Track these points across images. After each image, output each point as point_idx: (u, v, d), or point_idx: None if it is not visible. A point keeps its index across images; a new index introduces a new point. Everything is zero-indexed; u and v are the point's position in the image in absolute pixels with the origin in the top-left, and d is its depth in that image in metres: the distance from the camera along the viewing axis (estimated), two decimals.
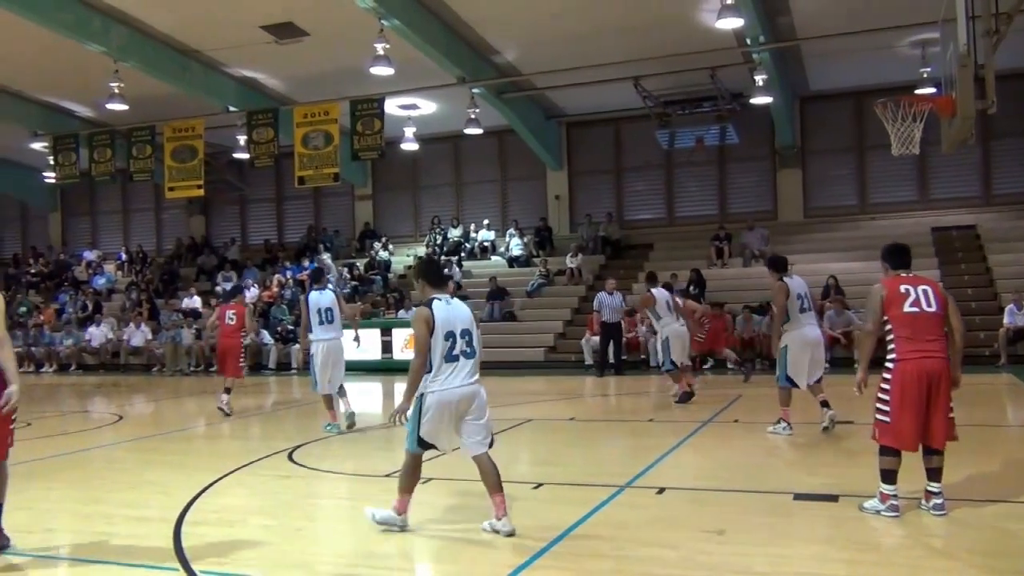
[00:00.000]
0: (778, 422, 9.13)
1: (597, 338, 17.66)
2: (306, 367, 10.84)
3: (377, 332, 19.26)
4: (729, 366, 15.52)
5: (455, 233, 24.94)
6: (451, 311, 5.54)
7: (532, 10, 17.24)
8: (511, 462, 8.49)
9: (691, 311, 13.17)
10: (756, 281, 19.73)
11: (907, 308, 5.66)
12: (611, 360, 17.11)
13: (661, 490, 6.61)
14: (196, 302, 23.70)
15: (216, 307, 18.72)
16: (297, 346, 11.08)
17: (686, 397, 11.83)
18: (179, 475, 7.81)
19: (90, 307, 25.15)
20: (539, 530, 5.50)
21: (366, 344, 16.80)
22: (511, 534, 5.38)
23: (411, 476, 5.62)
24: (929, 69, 17.88)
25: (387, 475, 5.78)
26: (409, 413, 5.53)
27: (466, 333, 5.55)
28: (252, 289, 22.96)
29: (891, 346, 5.73)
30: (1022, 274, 18.27)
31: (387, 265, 24.29)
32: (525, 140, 23.13)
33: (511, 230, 24.29)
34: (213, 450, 9.83)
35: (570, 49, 18.63)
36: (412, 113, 22.60)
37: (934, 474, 5.68)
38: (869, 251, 18.72)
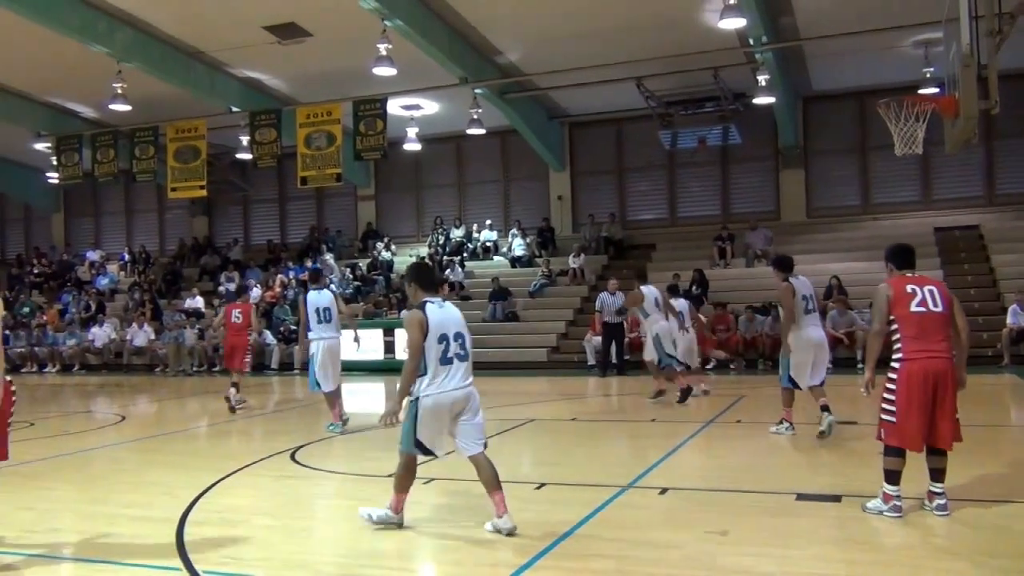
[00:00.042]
0: (780, 422, 9.12)
1: (599, 338, 17.67)
2: (306, 367, 10.90)
3: (379, 332, 19.27)
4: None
5: (458, 233, 24.95)
6: (444, 314, 5.58)
7: (535, 10, 17.24)
8: (514, 462, 8.50)
9: (675, 313, 13.21)
10: (759, 281, 19.75)
11: (914, 308, 5.66)
12: (613, 360, 17.11)
13: (663, 490, 6.61)
14: (199, 302, 23.73)
15: (222, 306, 18.80)
16: (304, 346, 11.09)
17: (685, 395, 11.85)
18: (182, 475, 7.81)
19: (93, 307, 25.19)
20: (541, 530, 5.50)
21: (369, 344, 16.83)
22: (512, 531, 5.39)
23: (406, 477, 5.66)
24: (932, 69, 17.87)
25: (389, 475, 5.79)
26: (402, 416, 5.55)
27: (459, 336, 5.58)
28: (255, 289, 22.99)
29: (897, 346, 5.72)
30: None
31: (390, 265, 24.30)
32: (528, 140, 23.13)
33: (514, 230, 24.29)
34: (216, 450, 9.84)
35: (573, 49, 18.64)
36: (415, 113, 22.61)
37: (937, 475, 5.68)
38: (872, 251, 18.73)
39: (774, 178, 23.11)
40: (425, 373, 5.45)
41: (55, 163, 23.21)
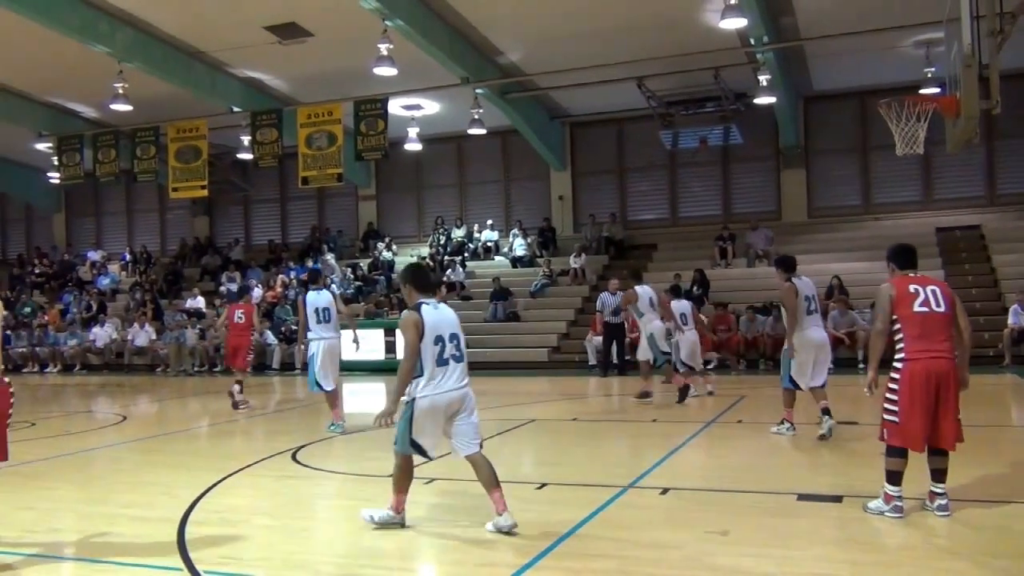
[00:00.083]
0: (781, 423, 9.11)
1: (600, 338, 17.67)
2: (307, 368, 10.94)
3: (380, 332, 19.26)
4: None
5: (459, 233, 24.96)
6: (439, 315, 5.59)
7: (535, 10, 17.24)
8: (514, 462, 8.50)
9: (669, 314, 13.26)
10: (760, 281, 19.76)
11: (917, 308, 5.65)
12: (614, 360, 17.11)
13: (665, 490, 6.61)
14: (200, 302, 23.74)
15: (223, 307, 18.81)
16: (303, 346, 11.14)
17: (684, 394, 11.84)
18: (182, 475, 7.82)
19: (94, 307, 25.20)
20: (542, 530, 5.50)
21: (370, 344, 16.83)
22: (513, 528, 5.40)
23: (404, 477, 5.68)
24: (933, 69, 17.86)
25: (390, 475, 5.80)
26: (397, 416, 5.56)
27: (454, 337, 5.59)
28: (256, 289, 23.00)
29: (900, 346, 5.71)
30: None
31: (391, 265, 24.31)
32: (529, 140, 23.14)
33: (515, 230, 24.29)
34: (216, 450, 9.84)
35: (574, 49, 18.64)
36: (416, 113, 22.62)
37: (939, 475, 5.67)
38: (873, 251, 18.73)
39: (775, 178, 23.11)
40: (421, 374, 5.47)
41: (56, 163, 23.25)
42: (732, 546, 5.18)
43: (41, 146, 24.51)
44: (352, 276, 24.19)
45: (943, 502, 5.62)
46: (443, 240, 24.83)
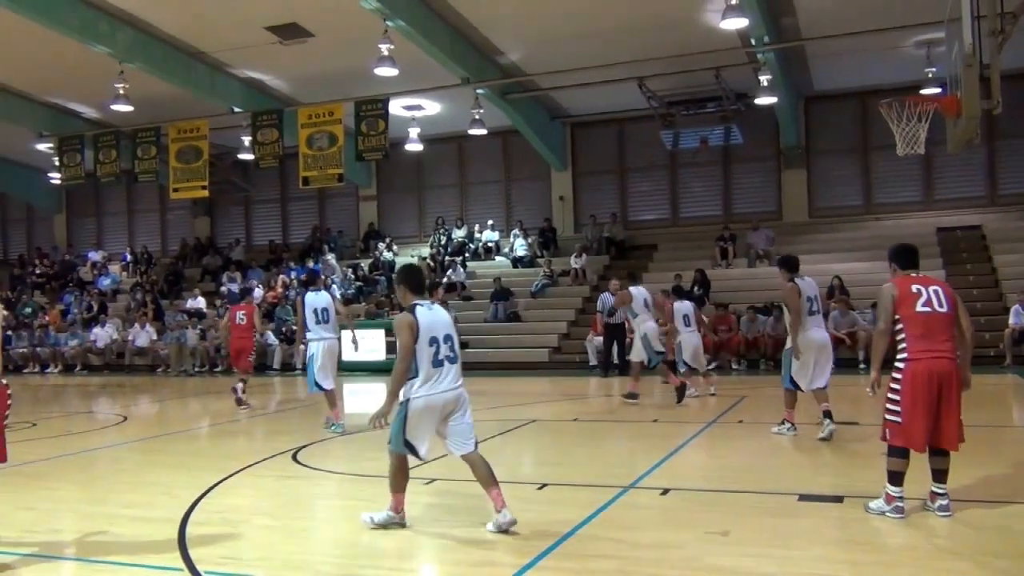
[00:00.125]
0: (782, 423, 9.10)
1: (601, 338, 17.66)
2: (306, 368, 10.99)
3: (381, 333, 19.24)
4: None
5: (459, 234, 24.96)
6: (433, 316, 5.61)
7: (536, 11, 17.24)
8: (515, 462, 8.51)
9: (665, 315, 13.31)
10: (761, 282, 19.76)
11: (919, 308, 5.64)
12: (615, 360, 17.10)
13: (665, 491, 6.60)
14: (200, 303, 23.75)
15: (223, 308, 18.83)
16: (302, 347, 11.18)
17: (681, 393, 11.84)
18: (183, 475, 7.82)
19: (95, 308, 25.21)
20: (543, 530, 5.49)
21: (371, 345, 16.83)
22: (513, 524, 5.41)
23: (401, 476, 5.68)
24: (934, 69, 17.84)
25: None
26: (391, 417, 5.57)
27: (448, 338, 5.62)
28: (257, 290, 23.02)
29: (902, 346, 5.69)
30: None
31: (391, 266, 24.29)
32: (529, 141, 23.14)
33: (515, 231, 24.29)
34: (217, 450, 9.84)
35: (575, 50, 18.64)
36: (416, 114, 22.63)
37: (940, 475, 5.67)
38: (874, 251, 18.74)
39: (776, 178, 23.11)
40: (416, 375, 5.48)
41: (57, 163, 23.26)
42: (733, 546, 5.18)
43: (42, 146, 24.54)
44: (353, 276, 24.20)
45: (944, 502, 5.61)
46: (444, 240, 24.84)
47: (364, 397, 15.76)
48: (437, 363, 5.52)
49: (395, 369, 5.52)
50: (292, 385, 17.59)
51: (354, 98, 19.88)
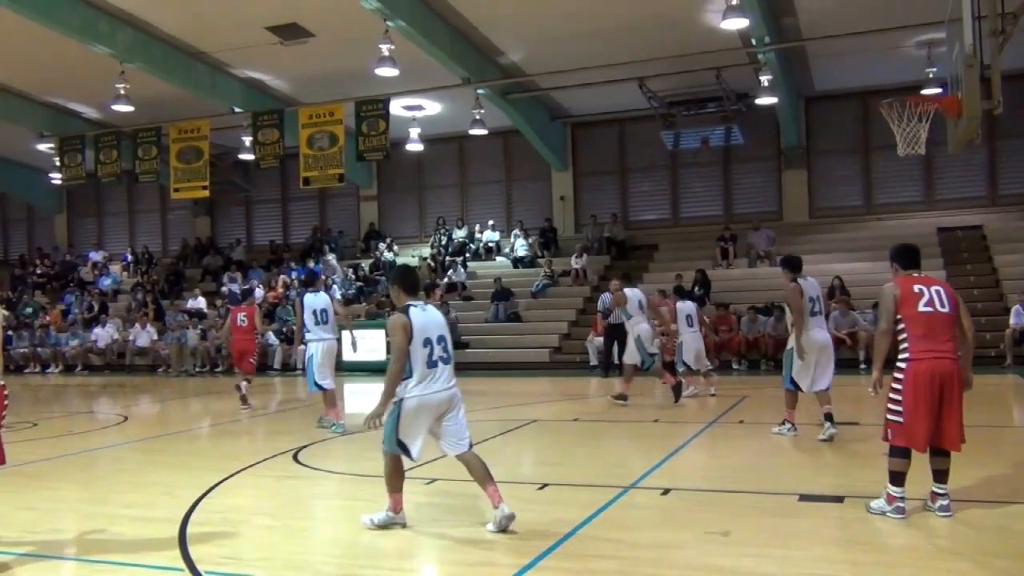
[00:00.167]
0: (783, 423, 9.10)
1: (601, 339, 17.66)
2: (304, 369, 11.04)
3: (381, 333, 19.20)
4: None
5: (460, 234, 24.97)
6: (427, 317, 5.62)
7: (536, 11, 17.23)
8: (516, 462, 8.52)
9: (660, 317, 13.31)
10: (761, 282, 19.76)
11: (922, 308, 5.63)
12: (615, 361, 17.06)
13: (666, 491, 6.60)
14: (201, 303, 23.76)
15: (225, 307, 18.81)
16: (301, 347, 11.23)
17: (678, 391, 11.84)
18: (184, 475, 7.82)
19: (96, 308, 25.23)
20: (543, 530, 5.50)
21: (372, 345, 16.83)
22: (511, 518, 5.42)
23: (396, 476, 5.70)
24: (935, 69, 17.83)
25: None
26: (385, 417, 5.58)
27: (442, 339, 5.64)
28: (257, 290, 23.03)
29: (903, 346, 5.68)
30: None
31: (392, 266, 24.32)
32: (530, 141, 23.14)
33: (516, 231, 24.29)
34: (218, 451, 9.84)
35: (575, 50, 18.63)
36: (417, 114, 22.63)
37: (941, 476, 5.67)
38: (874, 252, 18.73)
39: (776, 178, 23.11)
40: (410, 376, 5.50)
41: (58, 164, 23.27)
42: (733, 546, 5.18)
43: (42, 146, 24.56)
44: (353, 276, 24.20)
45: (945, 502, 5.61)
46: (444, 240, 24.84)
47: (364, 397, 15.76)
48: (431, 364, 5.54)
49: (389, 370, 5.54)
50: (293, 385, 17.59)
51: (355, 98, 19.88)
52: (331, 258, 24.70)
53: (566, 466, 8.06)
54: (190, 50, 19.24)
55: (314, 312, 10.61)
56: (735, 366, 17.81)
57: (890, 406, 5.68)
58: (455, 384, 5.68)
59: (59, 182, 23.73)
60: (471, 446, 5.71)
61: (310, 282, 11.65)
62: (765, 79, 18.05)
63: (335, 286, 23.16)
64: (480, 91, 19.77)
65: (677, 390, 11.83)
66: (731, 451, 8.68)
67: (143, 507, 6.60)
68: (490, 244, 24.71)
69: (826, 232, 21.88)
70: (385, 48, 16.24)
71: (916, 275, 5.87)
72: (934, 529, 5.44)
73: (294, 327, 20.57)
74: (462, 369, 19.47)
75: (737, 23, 15.55)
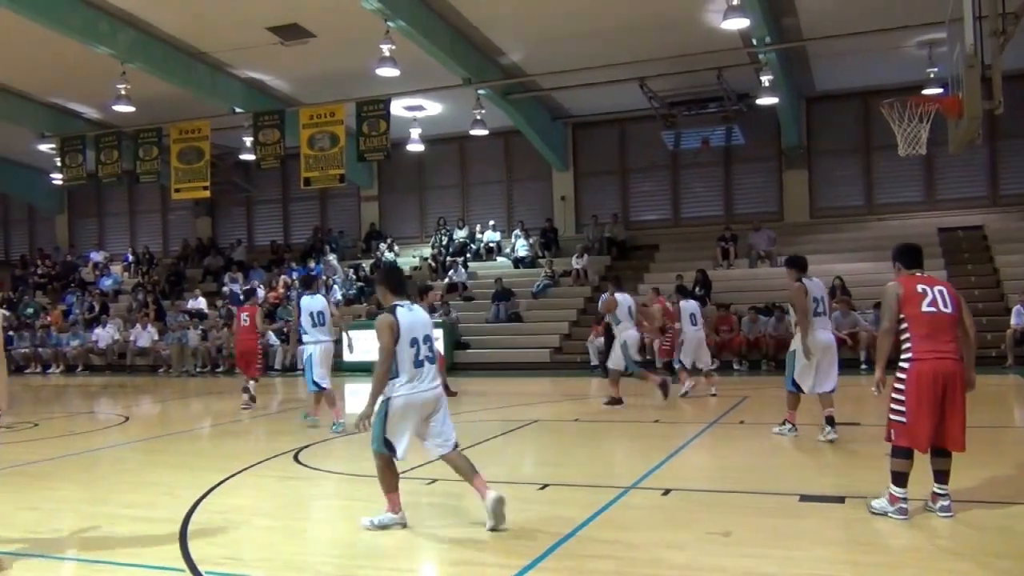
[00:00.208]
0: (783, 423, 9.09)
1: (602, 339, 17.64)
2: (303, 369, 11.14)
3: None
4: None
5: (461, 234, 24.97)
6: (413, 317, 5.66)
7: (537, 11, 17.23)
8: (517, 463, 8.51)
9: (650, 318, 13.28)
10: (762, 282, 19.76)
11: (925, 308, 5.61)
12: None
13: (667, 491, 6.60)
14: (201, 303, 23.76)
15: (225, 307, 18.81)
16: (300, 347, 11.29)
17: (665, 389, 11.86)
18: (185, 476, 7.82)
19: (97, 308, 25.24)
20: (544, 531, 5.50)
21: (370, 345, 16.82)
22: (502, 501, 5.45)
23: (390, 475, 5.72)
24: (936, 69, 17.83)
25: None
26: (373, 418, 5.60)
27: (427, 339, 5.68)
28: (258, 290, 23.03)
29: (906, 345, 5.67)
30: None
31: (393, 266, 24.31)
32: (531, 141, 23.14)
33: (517, 231, 24.29)
34: (219, 451, 9.84)
35: (576, 50, 18.63)
36: (418, 114, 22.63)
37: (942, 476, 5.66)
38: (875, 252, 18.73)
39: (777, 179, 23.10)
40: (396, 376, 5.52)
41: (59, 164, 23.29)
42: (734, 547, 5.18)
43: (43, 147, 24.58)
44: (354, 277, 24.20)
45: (946, 503, 5.61)
46: (445, 241, 24.85)
47: (362, 397, 15.76)
48: (418, 363, 5.57)
49: (376, 371, 5.56)
50: (294, 386, 17.59)
51: (355, 98, 19.88)
52: (332, 258, 24.71)
53: (567, 466, 8.06)
54: (191, 50, 19.24)
55: (311, 314, 10.72)
56: (736, 366, 17.81)
57: (893, 406, 5.67)
58: (440, 383, 5.75)
59: (60, 182, 23.74)
60: (456, 447, 5.75)
61: (307, 284, 11.75)
62: (766, 79, 18.04)
63: (336, 286, 23.17)
64: (481, 91, 19.78)
65: (664, 388, 11.87)
66: (732, 451, 8.68)
67: (144, 507, 6.60)
68: (491, 244, 24.72)
69: (827, 232, 21.87)
70: (386, 48, 16.24)
71: (919, 275, 5.86)
72: (935, 530, 5.43)
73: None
74: (463, 369, 19.61)
75: (738, 23, 15.55)
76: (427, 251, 24.89)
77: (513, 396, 14.16)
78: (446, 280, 23.05)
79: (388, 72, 16.71)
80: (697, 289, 19.20)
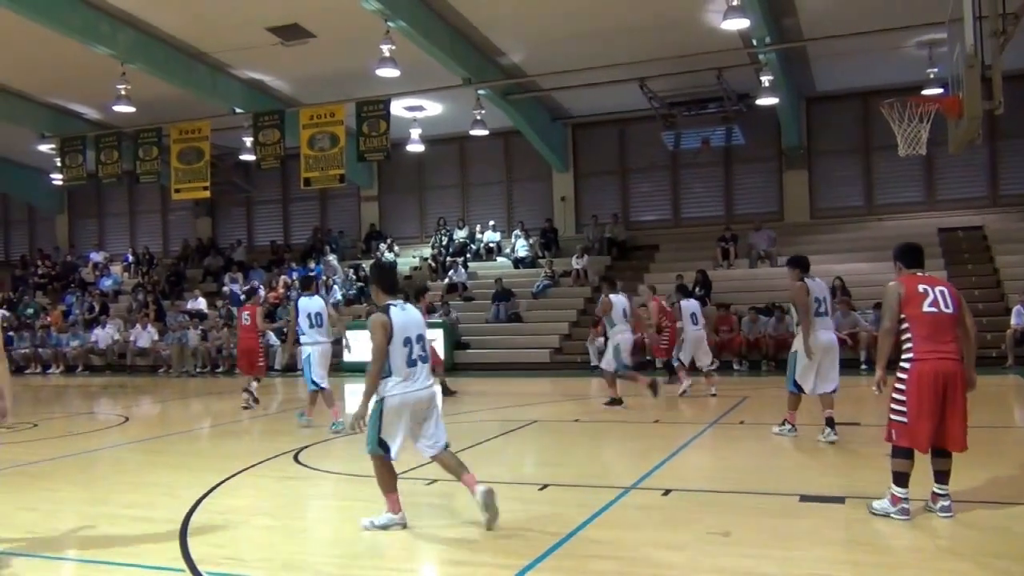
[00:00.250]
0: (783, 423, 9.08)
1: (602, 339, 17.62)
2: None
3: None
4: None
5: (461, 234, 24.97)
6: (406, 316, 5.66)
7: (537, 11, 17.24)
8: (517, 463, 8.51)
9: (643, 321, 13.30)
10: (762, 282, 19.76)
11: (926, 308, 5.61)
12: None
13: (667, 491, 6.60)
14: (201, 304, 23.75)
15: (225, 307, 18.80)
16: (299, 348, 11.35)
17: (654, 388, 11.90)
18: (184, 476, 7.82)
19: (97, 308, 25.23)
20: (544, 531, 5.50)
21: (368, 346, 16.82)
22: (493, 494, 5.47)
23: (388, 476, 5.71)
24: (936, 69, 17.83)
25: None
26: (368, 417, 5.60)
27: (420, 338, 5.68)
28: (259, 290, 23.00)
29: (907, 346, 5.66)
30: None
31: (392, 266, 24.23)
32: (531, 141, 23.14)
33: (517, 231, 24.29)
34: (219, 451, 9.84)
35: (575, 50, 18.64)
36: (418, 114, 22.64)
37: (942, 476, 5.65)
38: (875, 252, 18.73)
39: (777, 179, 23.10)
40: (389, 375, 5.53)
41: (59, 164, 23.30)
42: (734, 547, 5.17)
43: (44, 147, 24.58)
44: (354, 277, 24.20)
45: (946, 503, 5.60)
46: (445, 241, 24.85)
47: (361, 398, 15.76)
48: (411, 363, 5.58)
49: (369, 370, 5.56)
50: (294, 386, 17.59)
51: (355, 99, 19.88)
52: (332, 259, 24.70)
53: (567, 467, 8.06)
54: (191, 51, 19.24)
55: (308, 315, 10.76)
56: (736, 367, 17.80)
57: (893, 407, 5.66)
58: (433, 383, 5.74)
59: (60, 183, 23.75)
60: (446, 447, 5.76)
61: (306, 286, 11.78)
62: (766, 79, 18.04)
63: (336, 287, 23.17)
64: (481, 92, 19.78)
65: (653, 387, 11.91)
66: (732, 452, 8.68)
67: (144, 507, 6.60)
68: (491, 245, 24.72)
69: (827, 232, 21.87)
70: (386, 49, 16.25)
71: (920, 274, 5.86)
72: (936, 530, 5.43)
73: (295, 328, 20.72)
74: (463, 369, 19.59)
75: (738, 23, 15.54)
76: (427, 251, 24.89)
77: (513, 396, 14.16)
78: (446, 280, 23.05)
79: (388, 72, 16.72)
80: (697, 289, 19.19)
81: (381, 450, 5.60)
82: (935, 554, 5.07)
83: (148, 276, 27.08)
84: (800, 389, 8.82)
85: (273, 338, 21.17)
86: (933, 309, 5.61)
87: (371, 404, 5.62)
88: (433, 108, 22.49)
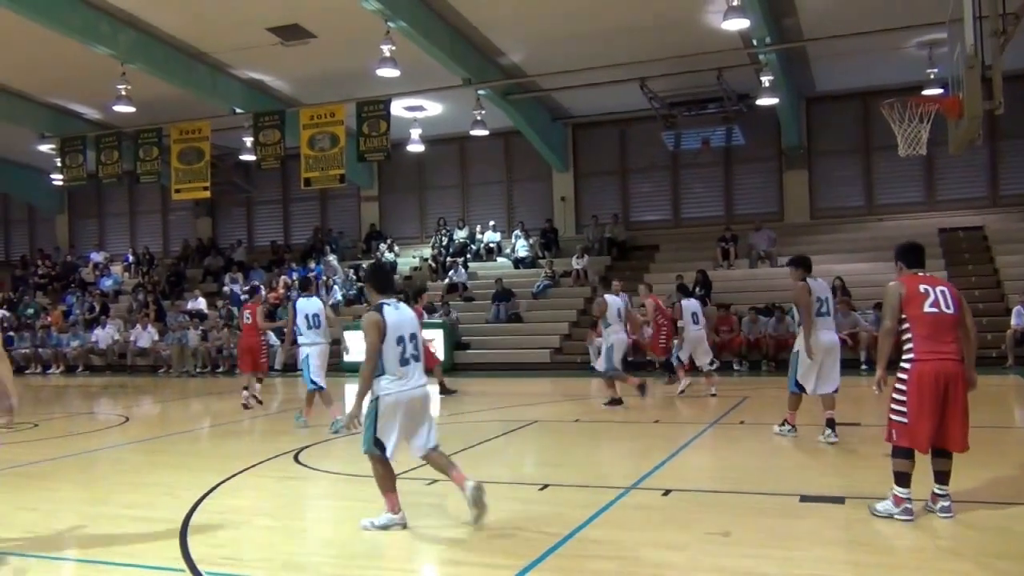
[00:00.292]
0: (783, 423, 9.08)
1: (600, 340, 17.64)
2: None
3: None
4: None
5: (461, 234, 24.97)
6: (400, 315, 5.67)
7: (537, 11, 17.24)
8: (517, 463, 8.51)
9: (636, 322, 13.32)
10: (762, 282, 19.77)
11: (927, 308, 5.60)
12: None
13: (667, 492, 6.60)
14: (201, 304, 23.75)
15: (225, 307, 18.78)
16: (297, 349, 11.39)
17: (643, 389, 11.94)
18: (185, 476, 7.82)
19: (97, 308, 25.23)
20: (544, 531, 5.50)
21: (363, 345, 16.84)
22: (481, 489, 5.53)
23: (386, 476, 5.72)
24: (936, 70, 17.83)
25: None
26: (362, 417, 5.61)
27: (413, 337, 5.69)
28: (260, 289, 22.99)
29: (908, 346, 5.66)
30: None
31: (393, 266, 24.29)
32: (531, 141, 23.14)
33: (517, 231, 24.29)
34: (219, 451, 9.84)
35: (576, 50, 18.64)
36: (418, 115, 22.64)
37: (942, 477, 5.65)
38: (876, 252, 18.74)
39: (778, 179, 23.10)
40: (382, 374, 5.54)
41: (59, 164, 23.30)
42: (734, 547, 5.17)
43: (44, 147, 24.59)
44: (355, 277, 24.19)
45: (946, 504, 5.60)
46: (445, 241, 24.85)
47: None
48: (404, 362, 5.59)
49: (362, 370, 5.56)
50: (294, 386, 17.59)
51: (356, 99, 19.88)
52: (332, 259, 24.71)
53: (567, 467, 8.06)
54: (191, 51, 19.24)
55: (306, 316, 10.81)
56: (736, 367, 17.80)
57: (894, 407, 5.65)
58: (426, 382, 5.77)
59: (60, 183, 23.75)
60: (436, 447, 5.78)
61: (304, 287, 11.82)
62: (766, 80, 18.04)
63: (336, 287, 23.16)
64: (481, 92, 19.78)
65: (642, 388, 11.94)
66: (732, 452, 8.67)
67: (144, 507, 6.60)
68: (491, 245, 24.72)
69: (827, 233, 21.87)
70: (386, 49, 16.25)
71: (921, 274, 5.85)
72: (936, 530, 5.43)
73: (294, 328, 20.71)
74: (463, 369, 19.59)
75: (738, 24, 15.54)
76: (427, 251, 24.89)
77: (513, 396, 14.16)
78: (446, 280, 23.05)
79: (388, 72, 16.72)
80: (697, 289, 19.18)
81: (377, 449, 5.60)
82: (935, 554, 5.07)
83: (148, 276, 27.08)
84: (802, 389, 8.81)
85: (273, 338, 21.17)
86: (934, 309, 5.61)
87: (365, 403, 5.62)
88: (433, 108, 22.49)
